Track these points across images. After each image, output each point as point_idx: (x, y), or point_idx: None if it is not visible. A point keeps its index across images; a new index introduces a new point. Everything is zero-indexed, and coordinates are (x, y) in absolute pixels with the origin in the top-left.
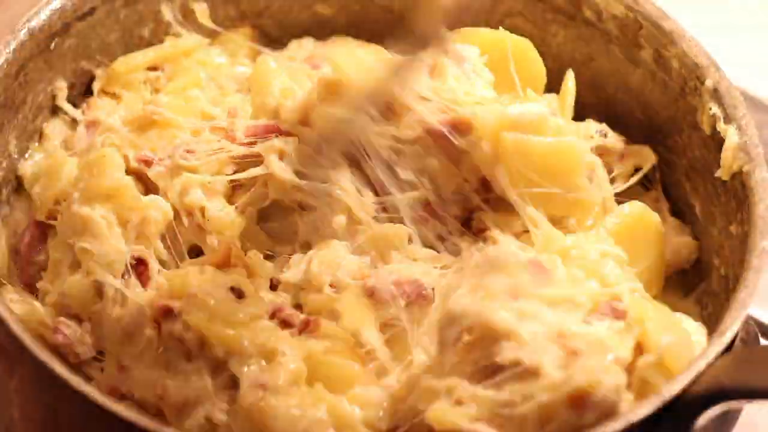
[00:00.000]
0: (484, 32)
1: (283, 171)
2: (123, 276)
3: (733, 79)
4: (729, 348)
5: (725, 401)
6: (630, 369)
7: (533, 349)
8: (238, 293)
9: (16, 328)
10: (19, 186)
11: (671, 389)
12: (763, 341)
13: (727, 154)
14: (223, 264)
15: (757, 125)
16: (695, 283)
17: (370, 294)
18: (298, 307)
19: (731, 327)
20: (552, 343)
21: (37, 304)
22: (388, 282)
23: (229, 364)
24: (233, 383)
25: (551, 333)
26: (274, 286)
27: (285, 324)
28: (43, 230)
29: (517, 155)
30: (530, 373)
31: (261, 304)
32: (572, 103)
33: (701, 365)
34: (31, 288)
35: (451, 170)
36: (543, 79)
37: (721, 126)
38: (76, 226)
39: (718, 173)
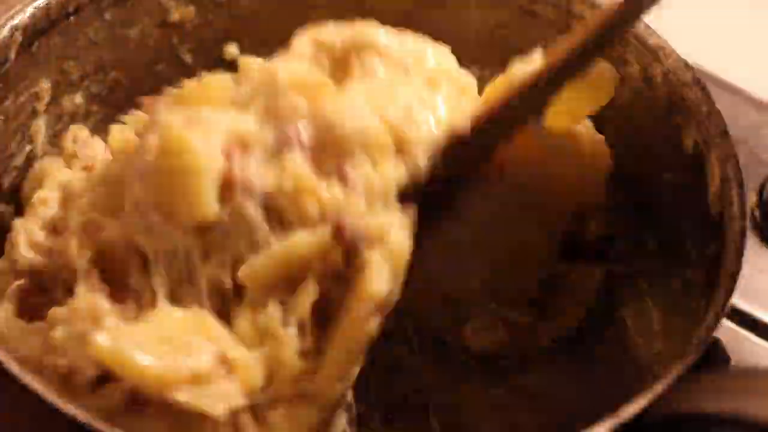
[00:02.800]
0: None
1: None
2: None
3: (734, 80)
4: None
5: (682, 428)
6: None
7: None
8: None
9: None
10: None
11: (628, 411)
12: (753, 337)
13: (713, 183)
14: None
15: (756, 125)
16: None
17: None
18: None
19: (693, 352)
20: None
21: None
22: None
23: None
24: None
25: None
26: None
27: None
28: None
29: None
30: None
31: None
32: None
33: (659, 388)
34: None
35: None
36: None
37: (701, 147)
38: None
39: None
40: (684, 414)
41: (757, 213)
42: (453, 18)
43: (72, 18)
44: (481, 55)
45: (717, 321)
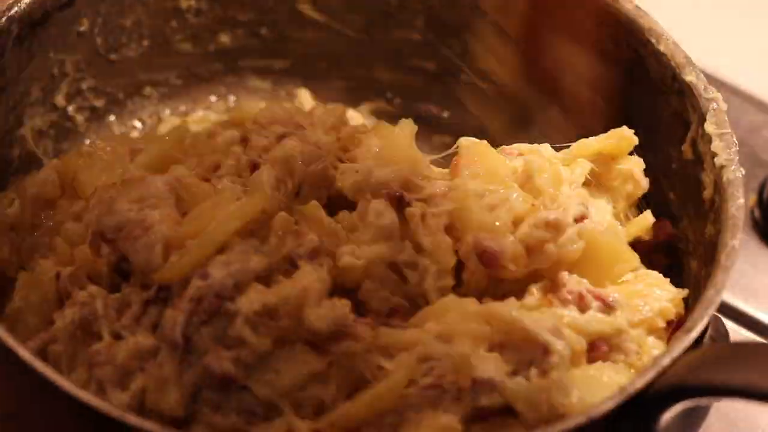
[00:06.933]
0: None
1: None
2: None
3: (734, 80)
4: (696, 345)
5: (687, 398)
6: None
7: None
8: None
9: None
10: None
11: (634, 385)
12: (753, 336)
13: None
14: None
15: (756, 125)
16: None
17: None
18: None
19: (697, 325)
20: None
21: None
22: None
23: None
24: None
25: None
26: None
27: None
28: None
29: None
30: None
31: None
32: None
33: (665, 362)
34: None
35: None
36: None
37: (697, 125)
38: None
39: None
40: (689, 385)
41: (757, 213)
42: None
43: (65, 10)
44: None
45: (718, 294)
